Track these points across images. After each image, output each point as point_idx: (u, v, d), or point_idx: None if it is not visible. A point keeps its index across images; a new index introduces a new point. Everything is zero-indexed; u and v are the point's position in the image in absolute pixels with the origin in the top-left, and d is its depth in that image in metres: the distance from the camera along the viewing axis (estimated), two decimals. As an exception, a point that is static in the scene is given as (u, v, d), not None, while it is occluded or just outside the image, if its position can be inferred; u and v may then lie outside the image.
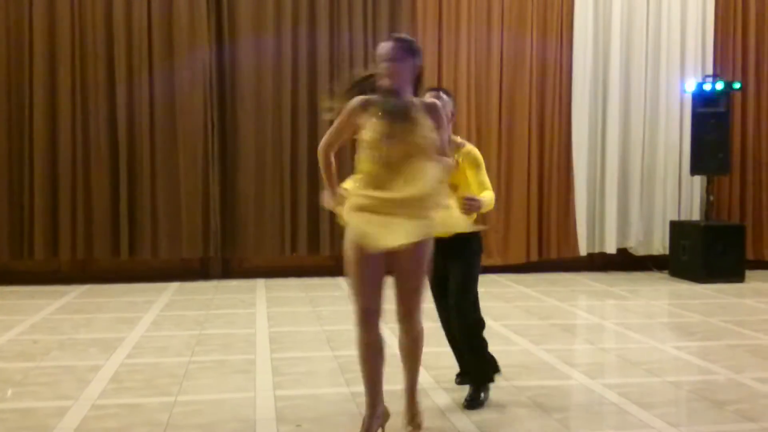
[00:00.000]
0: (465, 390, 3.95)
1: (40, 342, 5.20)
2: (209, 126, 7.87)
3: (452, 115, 3.82)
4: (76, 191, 7.69)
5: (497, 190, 8.53)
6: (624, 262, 8.85)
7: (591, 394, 4.14)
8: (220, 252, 8.03)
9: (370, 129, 3.14)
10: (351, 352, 4.88)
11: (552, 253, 8.65)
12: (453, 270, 3.96)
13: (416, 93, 3.30)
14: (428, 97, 3.52)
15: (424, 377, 4.30)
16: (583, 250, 8.64)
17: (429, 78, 8.32)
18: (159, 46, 7.80)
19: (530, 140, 8.58)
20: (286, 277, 8.04)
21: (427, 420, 3.57)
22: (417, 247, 3.15)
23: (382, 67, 3.19)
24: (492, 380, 4.01)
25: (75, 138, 7.69)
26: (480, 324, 4.05)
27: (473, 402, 3.86)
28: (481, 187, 3.90)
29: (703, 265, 8.01)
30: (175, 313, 6.23)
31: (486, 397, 3.92)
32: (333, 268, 8.30)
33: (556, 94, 8.63)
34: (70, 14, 7.66)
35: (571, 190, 8.64)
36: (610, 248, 8.70)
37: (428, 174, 3.11)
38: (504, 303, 6.80)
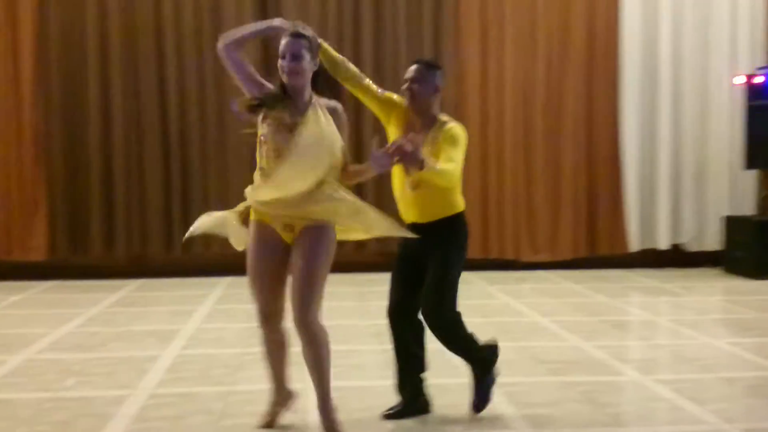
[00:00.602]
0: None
1: (98, 334, 5.37)
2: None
3: (436, 89, 3.54)
4: (130, 189, 7.90)
5: (545, 183, 8.50)
6: (676, 258, 8.69)
7: (644, 390, 4.10)
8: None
9: (263, 125, 3.18)
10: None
11: (602, 249, 8.55)
12: (430, 263, 3.61)
13: (317, 91, 3.26)
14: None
15: (468, 372, 4.32)
16: (634, 246, 8.52)
17: (473, 69, 8.33)
18: (208, 44, 7.95)
19: (578, 134, 8.50)
20: (333, 272, 8.08)
21: (480, 415, 3.58)
22: (303, 241, 3.17)
23: (281, 66, 3.17)
24: (494, 362, 3.67)
25: (129, 137, 7.89)
26: (458, 322, 3.67)
27: (480, 403, 3.60)
28: (446, 160, 3.44)
29: (757, 261, 7.82)
30: (228, 307, 6.35)
31: (490, 393, 3.63)
32: (381, 264, 8.33)
33: (604, 87, 8.51)
34: (121, 14, 7.85)
35: (620, 184, 8.52)
36: (662, 244, 8.56)
37: (302, 171, 3.10)
38: (553, 299, 6.75)
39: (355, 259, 8.34)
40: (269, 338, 3.31)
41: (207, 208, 7.76)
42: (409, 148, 3.06)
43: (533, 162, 8.45)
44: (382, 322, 5.65)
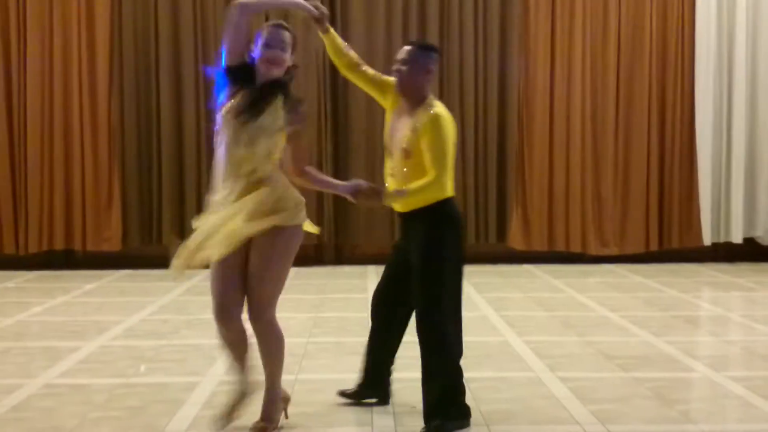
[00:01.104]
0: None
1: (169, 321, 5.53)
2: (322, 115, 8.07)
3: (427, 72, 3.37)
4: (201, 181, 8.08)
5: (614, 175, 8.31)
6: (751, 252, 8.40)
7: (715, 386, 3.98)
8: (333, 239, 8.25)
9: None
10: (463, 338, 4.92)
11: (673, 242, 8.33)
12: (411, 256, 3.33)
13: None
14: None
15: (537, 365, 4.29)
16: (707, 240, 8.27)
17: (542, 65, 8.20)
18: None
19: (650, 124, 8.29)
20: (380, 264, 8.11)
21: (544, 409, 3.55)
22: (262, 239, 3.07)
23: (265, 54, 3.11)
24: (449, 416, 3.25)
25: (199, 131, 8.08)
26: (440, 327, 3.26)
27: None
28: (429, 163, 3.25)
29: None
30: (293, 297, 6.44)
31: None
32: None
33: (678, 76, 8.30)
34: (192, 9, 8.03)
35: (694, 176, 8.28)
36: (736, 238, 8.28)
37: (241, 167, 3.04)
38: (621, 293, 6.61)
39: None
40: (222, 333, 3.18)
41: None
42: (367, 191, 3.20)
43: (602, 153, 8.28)
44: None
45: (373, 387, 3.64)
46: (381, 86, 3.53)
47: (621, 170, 8.31)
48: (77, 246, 8.04)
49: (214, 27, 8.05)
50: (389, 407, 3.61)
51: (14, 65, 7.91)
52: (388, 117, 3.50)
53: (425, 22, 8.19)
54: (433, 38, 8.13)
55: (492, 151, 8.27)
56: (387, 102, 3.52)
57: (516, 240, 8.22)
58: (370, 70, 3.57)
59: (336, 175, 8.25)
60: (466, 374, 4.07)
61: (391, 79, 3.46)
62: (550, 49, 8.21)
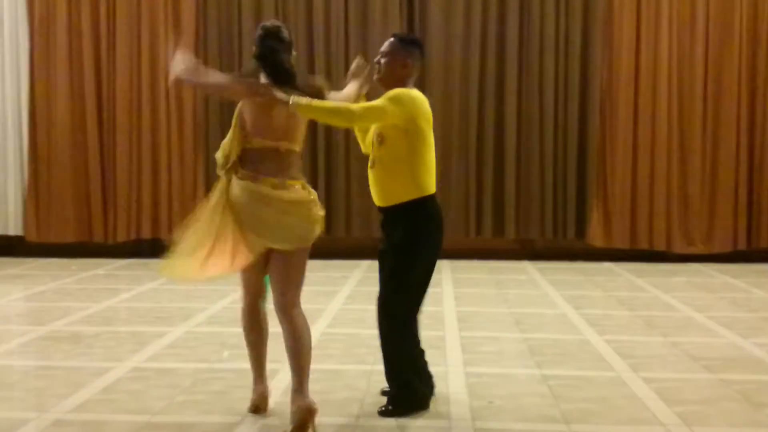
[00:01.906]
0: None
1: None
2: None
3: (404, 65, 3.38)
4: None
5: (701, 171, 8.00)
6: None
7: (808, 392, 3.81)
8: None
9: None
10: (541, 335, 4.87)
11: (762, 241, 8.00)
12: (386, 252, 3.39)
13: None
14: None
15: (619, 364, 4.19)
16: (799, 239, 7.90)
17: (626, 57, 7.98)
18: (355, 37, 8.14)
19: (739, 118, 7.97)
20: (469, 259, 8.10)
21: (626, 409, 3.47)
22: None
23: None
24: (407, 413, 3.32)
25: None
26: (398, 327, 3.37)
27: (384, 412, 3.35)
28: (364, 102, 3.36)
29: None
30: (368, 289, 6.48)
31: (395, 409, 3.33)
32: (517, 251, 8.25)
33: (770, 69, 7.93)
34: (275, 7, 8.18)
35: (786, 173, 7.92)
36: (832, 237, 7.88)
37: None
38: (708, 294, 6.39)
39: (493, 246, 8.28)
40: (253, 324, 3.39)
41: (349, 192, 8.17)
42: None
43: (689, 148, 8.01)
44: (521, 311, 5.64)
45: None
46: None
47: (708, 166, 8.02)
48: (164, 235, 8.31)
49: (295, 15, 8.16)
50: (466, 400, 3.59)
51: (104, 62, 8.23)
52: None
53: (505, 14, 8.08)
54: (512, 28, 8.05)
55: (572, 144, 8.11)
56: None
57: (596, 237, 8.04)
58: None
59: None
60: (545, 371, 4.04)
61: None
62: (635, 40, 7.98)
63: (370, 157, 3.45)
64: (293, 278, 3.24)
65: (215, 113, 8.28)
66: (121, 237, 8.24)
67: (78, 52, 8.22)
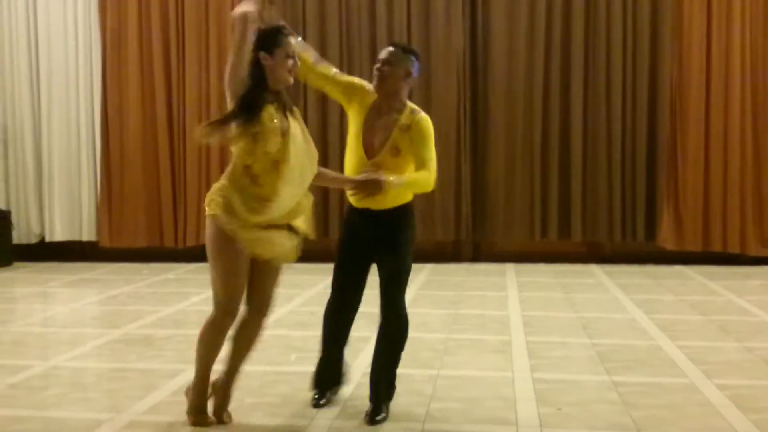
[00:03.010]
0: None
1: (316, 313, 5.69)
2: (461, 113, 8.04)
3: (407, 74, 3.38)
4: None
5: (748, 177, 7.69)
6: None
7: None
8: (471, 235, 8.20)
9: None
10: (610, 341, 4.77)
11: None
12: (383, 254, 3.46)
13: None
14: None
15: (692, 371, 4.07)
16: None
17: (697, 54, 7.75)
18: (417, 37, 8.13)
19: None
20: (535, 262, 7.99)
21: (700, 417, 3.37)
22: None
23: (289, 65, 3.20)
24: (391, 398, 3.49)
25: (341, 129, 8.29)
26: (407, 325, 3.54)
27: (375, 416, 3.36)
28: (420, 162, 3.32)
29: None
30: (431, 293, 6.49)
31: (387, 415, 3.40)
32: (584, 254, 8.10)
33: None
34: (338, 6, 8.22)
35: None
36: None
37: None
38: (785, 297, 6.16)
39: (559, 248, 8.15)
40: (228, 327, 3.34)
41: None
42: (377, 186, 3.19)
43: (764, 147, 7.73)
44: (589, 315, 5.52)
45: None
46: (348, 87, 3.50)
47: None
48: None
49: (358, 28, 8.21)
50: (534, 406, 3.54)
51: (174, 70, 8.44)
52: (360, 118, 3.43)
53: (570, 13, 7.96)
54: (578, 27, 7.92)
55: (641, 144, 7.91)
56: (353, 102, 3.47)
57: (667, 239, 7.82)
58: (332, 69, 3.54)
59: (474, 166, 8.21)
60: (615, 378, 3.95)
61: (356, 80, 3.50)
62: (706, 36, 7.74)
63: (370, 161, 3.39)
64: None
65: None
66: (190, 241, 8.43)
67: (149, 62, 8.46)
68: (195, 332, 5.02)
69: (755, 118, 7.74)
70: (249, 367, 4.22)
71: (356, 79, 3.53)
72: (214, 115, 8.40)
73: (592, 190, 7.97)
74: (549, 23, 7.99)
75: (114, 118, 8.50)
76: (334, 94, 3.56)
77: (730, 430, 3.24)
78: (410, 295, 6.34)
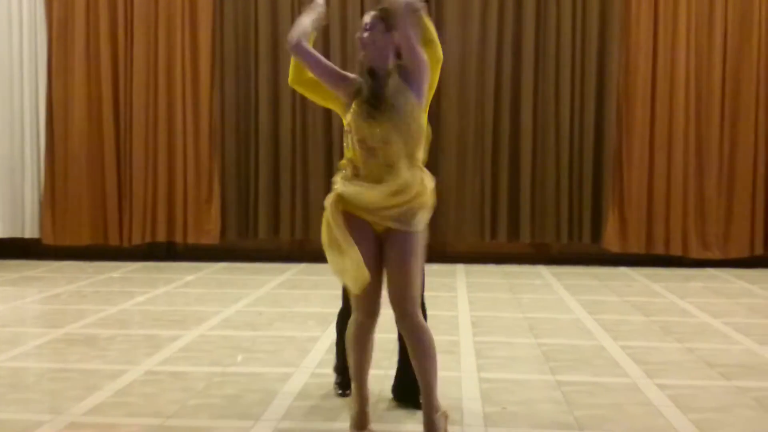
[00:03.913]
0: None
1: (264, 313, 5.67)
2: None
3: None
4: (295, 179, 8.27)
5: (719, 175, 7.92)
6: None
7: (827, 400, 3.76)
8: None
9: (350, 112, 2.98)
10: (555, 341, 4.85)
11: (781, 247, 7.91)
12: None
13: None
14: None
15: (634, 371, 4.16)
16: (818, 245, 7.81)
17: (644, 59, 7.93)
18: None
19: (758, 121, 7.91)
20: (484, 263, 8.07)
21: (641, 417, 3.45)
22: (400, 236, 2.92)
23: (357, 38, 3.03)
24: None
25: (295, 132, 8.26)
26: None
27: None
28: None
29: None
30: (383, 293, 6.49)
31: None
32: (532, 256, 8.22)
33: (790, 73, 7.85)
34: (291, 11, 8.20)
35: (805, 177, 7.83)
36: None
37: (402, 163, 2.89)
38: (724, 299, 6.33)
39: (508, 250, 8.25)
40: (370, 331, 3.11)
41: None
42: None
43: (707, 152, 7.94)
44: (536, 316, 5.61)
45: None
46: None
47: (726, 170, 7.95)
48: (178, 238, 8.36)
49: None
50: (479, 405, 3.57)
51: (121, 65, 8.28)
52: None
53: (521, 14, 8.06)
54: (528, 31, 8.02)
55: (588, 148, 8.06)
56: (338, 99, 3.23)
57: (611, 241, 7.99)
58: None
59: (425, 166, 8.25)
60: (559, 377, 4.02)
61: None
62: (653, 42, 7.92)
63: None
64: None
65: (231, 116, 8.32)
66: (136, 240, 8.29)
67: (96, 56, 8.27)
68: (139, 332, 4.96)
69: (698, 124, 7.96)
70: (193, 368, 4.20)
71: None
72: (161, 111, 8.29)
73: (541, 192, 8.10)
74: (500, 28, 8.08)
75: (59, 113, 8.29)
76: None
77: (670, 430, 3.32)
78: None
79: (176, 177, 8.28)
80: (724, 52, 7.90)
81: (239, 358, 4.43)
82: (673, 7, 7.91)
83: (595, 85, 8.03)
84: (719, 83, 7.91)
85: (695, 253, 7.95)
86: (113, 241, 8.31)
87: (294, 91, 8.13)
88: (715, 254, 7.93)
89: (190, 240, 8.30)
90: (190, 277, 7.32)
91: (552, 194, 8.07)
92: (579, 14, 8.01)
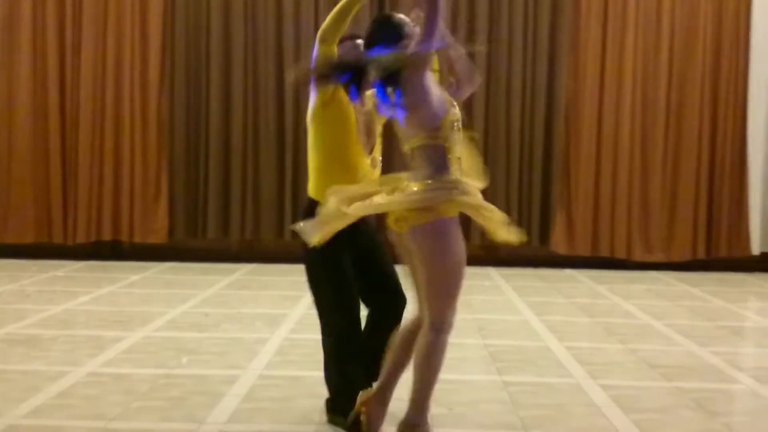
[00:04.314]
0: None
1: (212, 315, 5.60)
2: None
3: None
4: (246, 177, 8.19)
5: (662, 181, 8.15)
6: (801, 263, 8.19)
7: (759, 399, 3.89)
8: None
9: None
10: (503, 342, 4.91)
11: (721, 250, 8.15)
12: (376, 250, 3.36)
13: None
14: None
15: (578, 371, 4.24)
16: (755, 249, 8.08)
17: (592, 68, 8.09)
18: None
19: (701, 130, 8.13)
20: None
21: (584, 417, 3.51)
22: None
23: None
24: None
25: (246, 128, 8.18)
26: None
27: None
28: None
29: None
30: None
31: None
32: (483, 257, 8.29)
33: (731, 83, 8.11)
34: (244, 4, 8.12)
35: (744, 184, 8.10)
36: (786, 248, 8.08)
37: None
38: (666, 302, 6.50)
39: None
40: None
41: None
42: None
43: (651, 158, 8.14)
44: (485, 317, 5.67)
45: None
46: None
47: (669, 176, 8.16)
48: (124, 237, 8.21)
49: (264, 21, 8.13)
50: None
51: (68, 59, 8.10)
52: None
53: (474, 26, 8.14)
54: (480, 39, 8.09)
55: (537, 153, 8.19)
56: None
57: (559, 244, 8.13)
58: None
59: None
60: (505, 378, 4.07)
61: None
62: (601, 51, 8.10)
63: (375, 158, 3.31)
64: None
65: (180, 112, 8.20)
66: (80, 238, 8.10)
67: (42, 52, 8.08)
68: (82, 333, 4.85)
69: (644, 130, 8.16)
70: (137, 370, 4.12)
71: None
72: (108, 107, 8.12)
73: (491, 195, 8.17)
74: (454, 30, 8.15)
75: (2, 108, 8.08)
76: None
77: (612, 430, 3.39)
78: (305, 298, 6.33)
79: (123, 174, 8.13)
80: (669, 60, 8.11)
81: (184, 360, 4.37)
82: (622, 15, 8.09)
83: (544, 91, 8.16)
84: (664, 90, 8.12)
85: (639, 256, 8.14)
86: (57, 239, 8.12)
87: (246, 88, 8.17)
88: (658, 257, 8.13)
89: (137, 239, 8.15)
90: (135, 277, 7.19)
91: (502, 197, 8.17)
92: (531, 23, 8.13)
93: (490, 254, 8.40)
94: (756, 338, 5.46)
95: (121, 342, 4.69)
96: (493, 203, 8.56)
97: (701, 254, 8.15)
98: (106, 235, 8.16)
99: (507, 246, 8.10)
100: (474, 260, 8.16)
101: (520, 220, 8.21)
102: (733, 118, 8.11)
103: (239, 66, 8.14)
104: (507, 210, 8.18)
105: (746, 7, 8.06)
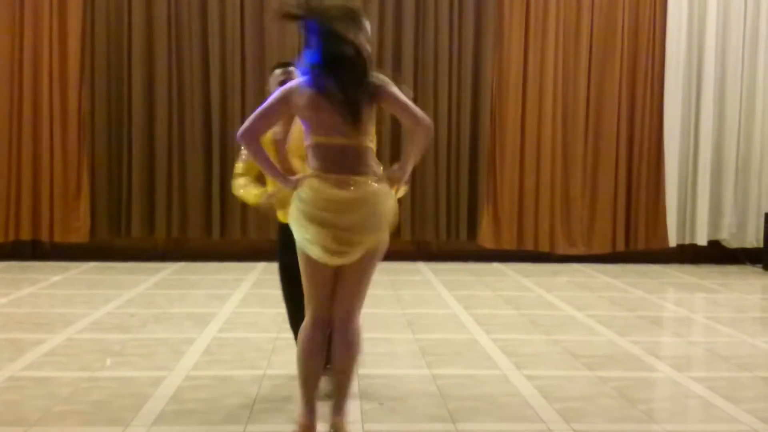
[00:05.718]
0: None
1: (137, 315, 5.48)
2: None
3: None
4: (171, 174, 8.03)
5: (583, 176, 8.42)
6: (715, 254, 8.57)
7: (677, 386, 4.06)
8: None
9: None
10: (432, 336, 4.98)
11: (639, 243, 8.46)
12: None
13: None
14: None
15: (504, 363, 4.34)
16: (672, 242, 8.41)
17: (515, 65, 8.26)
18: (251, 30, 8.02)
19: (619, 127, 8.41)
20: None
21: (510, 407, 3.60)
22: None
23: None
24: None
25: (171, 123, 8.01)
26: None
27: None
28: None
29: (800, 260, 7.67)
30: (262, 291, 6.43)
31: None
32: (413, 253, 8.39)
33: (648, 80, 8.41)
34: (167, 2, 7.96)
35: (661, 179, 8.41)
36: (701, 240, 8.44)
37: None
38: (588, 293, 6.70)
39: (389, 247, 8.35)
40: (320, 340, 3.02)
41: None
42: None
43: (572, 154, 8.39)
44: (414, 311, 5.73)
45: None
46: None
47: (590, 171, 8.42)
48: (44, 237, 7.93)
49: (188, 17, 7.98)
50: (357, 403, 3.62)
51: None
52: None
53: (401, 18, 8.19)
54: (408, 34, 8.17)
55: (464, 148, 8.33)
56: None
57: (486, 238, 8.29)
58: None
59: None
60: (434, 371, 4.13)
61: None
62: (524, 50, 8.28)
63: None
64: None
65: (102, 108, 7.97)
66: (-2, 238, 7.79)
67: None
68: (1, 336, 4.67)
69: (565, 129, 8.39)
70: (59, 373, 4.00)
71: None
72: (26, 103, 7.82)
73: (421, 191, 8.28)
74: (381, 29, 8.17)
75: None
76: None
77: (537, 419, 3.48)
78: (241, 294, 6.28)
79: (42, 170, 7.85)
80: (589, 61, 8.36)
81: (108, 362, 4.26)
82: (543, 17, 8.29)
83: (470, 89, 8.30)
84: (584, 90, 8.37)
85: (561, 249, 8.38)
86: (-28, 239, 7.79)
87: (170, 81, 8.00)
88: (580, 250, 8.39)
89: (57, 238, 7.89)
90: (56, 278, 6.95)
91: (431, 193, 8.27)
92: (456, 24, 8.23)
93: (421, 250, 8.50)
94: (674, 327, 5.70)
95: (41, 345, 4.54)
96: (423, 200, 8.69)
97: (621, 247, 8.45)
98: (26, 235, 7.87)
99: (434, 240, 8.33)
100: (405, 255, 8.39)
101: (449, 215, 8.33)
102: (650, 117, 8.42)
103: (162, 59, 7.96)
104: (436, 206, 8.33)
105: (662, 6, 8.36)
